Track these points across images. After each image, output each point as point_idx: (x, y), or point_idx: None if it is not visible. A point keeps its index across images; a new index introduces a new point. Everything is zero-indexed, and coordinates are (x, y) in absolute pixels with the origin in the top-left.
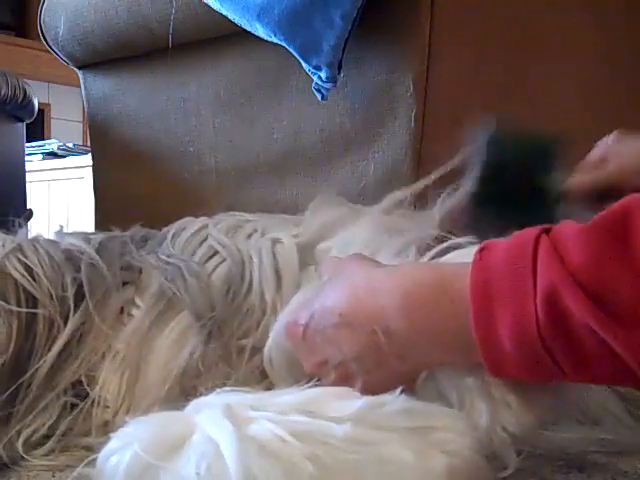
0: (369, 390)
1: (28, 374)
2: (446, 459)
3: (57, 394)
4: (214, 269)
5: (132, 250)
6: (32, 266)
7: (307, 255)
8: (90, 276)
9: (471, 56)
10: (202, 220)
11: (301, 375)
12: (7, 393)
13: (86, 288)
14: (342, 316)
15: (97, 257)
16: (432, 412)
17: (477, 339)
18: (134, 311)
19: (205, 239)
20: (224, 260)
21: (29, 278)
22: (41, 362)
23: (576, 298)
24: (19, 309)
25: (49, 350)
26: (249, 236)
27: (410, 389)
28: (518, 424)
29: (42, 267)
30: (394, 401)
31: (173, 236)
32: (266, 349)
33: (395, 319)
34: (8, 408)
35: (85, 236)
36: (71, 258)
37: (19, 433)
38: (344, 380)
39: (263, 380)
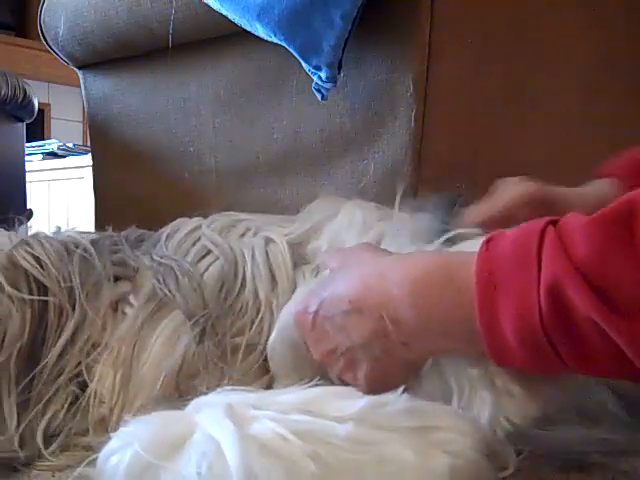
0: (375, 377)
1: (43, 361)
2: (448, 459)
3: (65, 381)
4: (207, 268)
5: (125, 248)
6: (40, 256)
7: (299, 254)
8: (81, 268)
9: (471, 56)
10: (195, 220)
11: (305, 370)
12: (27, 379)
13: (77, 280)
14: (351, 303)
15: (91, 248)
16: (434, 412)
17: (481, 328)
18: (127, 309)
19: (198, 239)
20: (217, 259)
21: (38, 268)
22: (52, 349)
23: (579, 290)
24: (31, 297)
25: (59, 337)
26: (242, 235)
27: (415, 377)
28: (521, 414)
29: (49, 258)
30: (396, 401)
31: (167, 237)
32: (270, 342)
33: (403, 307)
34: (26, 394)
35: (80, 233)
36: (68, 251)
37: (37, 423)
38: (351, 367)
39: (261, 377)
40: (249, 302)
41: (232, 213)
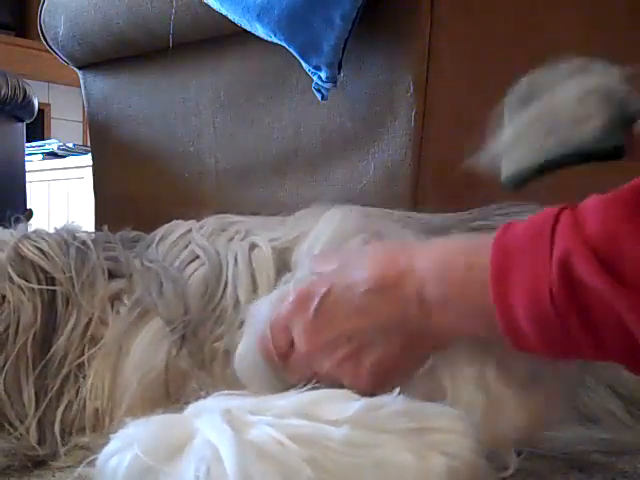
0: (381, 366)
1: (54, 347)
2: (445, 460)
3: (74, 371)
4: (192, 273)
5: (118, 247)
6: (43, 248)
7: (283, 260)
8: (77, 259)
9: (471, 56)
10: (188, 224)
11: (279, 382)
12: (42, 363)
13: (73, 270)
14: (376, 281)
15: (89, 240)
16: (431, 413)
17: (495, 308)
18: (122, 309)
19: (189, 243)
20: (203, 264)
21: (44, 259)
22: (61, 336)
23: (588, 264)
24: (40, 286)
25: (67, 325)
26: (230, 239)
27: (410, 375)
28: (508, 422)
29: (52, 249)
30: (392, 402)
31: (159, 240)
32: (239, 350)
33: (429, 285)
34: (42, 380)
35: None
36: (67, 244)
37: (54, 414)
38: (356, 355)
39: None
40: (229, 307)
41: (225, 215)
